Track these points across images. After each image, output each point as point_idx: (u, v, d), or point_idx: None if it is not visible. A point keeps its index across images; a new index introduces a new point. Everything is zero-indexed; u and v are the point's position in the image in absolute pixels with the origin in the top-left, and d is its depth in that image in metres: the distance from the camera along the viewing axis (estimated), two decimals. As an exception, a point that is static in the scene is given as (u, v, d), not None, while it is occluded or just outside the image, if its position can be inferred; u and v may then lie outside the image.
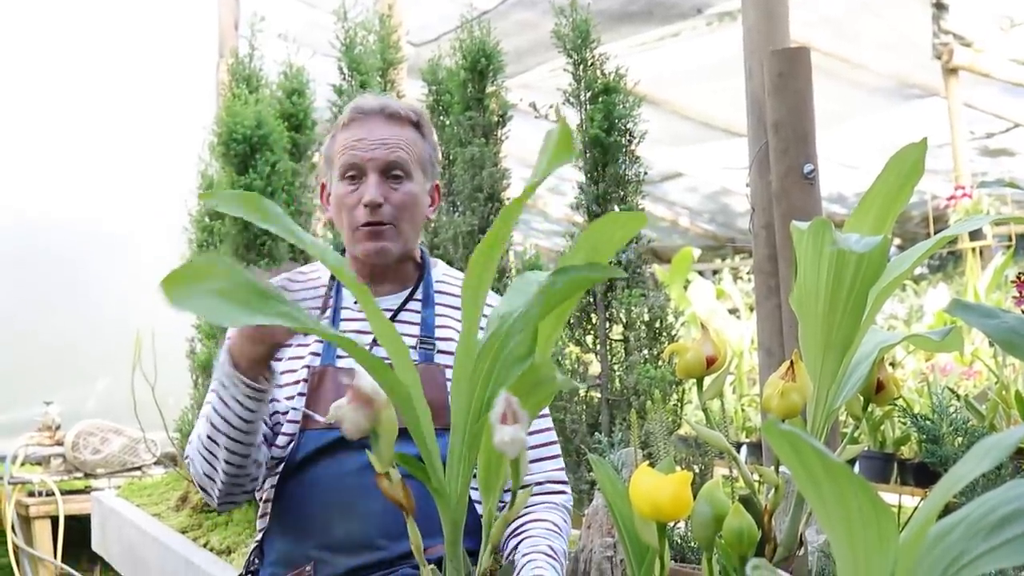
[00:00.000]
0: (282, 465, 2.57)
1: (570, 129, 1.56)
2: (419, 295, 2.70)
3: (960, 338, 1.99)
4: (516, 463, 1.72)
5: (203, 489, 2.55)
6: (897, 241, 13.53)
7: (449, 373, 2.54)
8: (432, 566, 1.81)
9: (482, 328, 1.66)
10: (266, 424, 2.57)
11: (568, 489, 2.68)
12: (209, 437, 2.42)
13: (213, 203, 1.51)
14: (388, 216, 2.59)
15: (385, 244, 2.60)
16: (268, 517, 2.61)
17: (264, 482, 2.64)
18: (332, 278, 2.72)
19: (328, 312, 2.66)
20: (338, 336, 1.62)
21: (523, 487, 1.78)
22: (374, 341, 2.49)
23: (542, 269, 4.17)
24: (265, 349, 2.31)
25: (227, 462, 2.42)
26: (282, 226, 1.54)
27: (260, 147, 4.73)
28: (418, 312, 2.67)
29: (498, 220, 1.63)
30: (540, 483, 2.60)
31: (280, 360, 2.61)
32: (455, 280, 2.80)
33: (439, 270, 2.80)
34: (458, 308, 2.71)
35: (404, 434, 1.74)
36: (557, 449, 2.71)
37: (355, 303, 2.67)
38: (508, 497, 1.79)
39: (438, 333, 2.65)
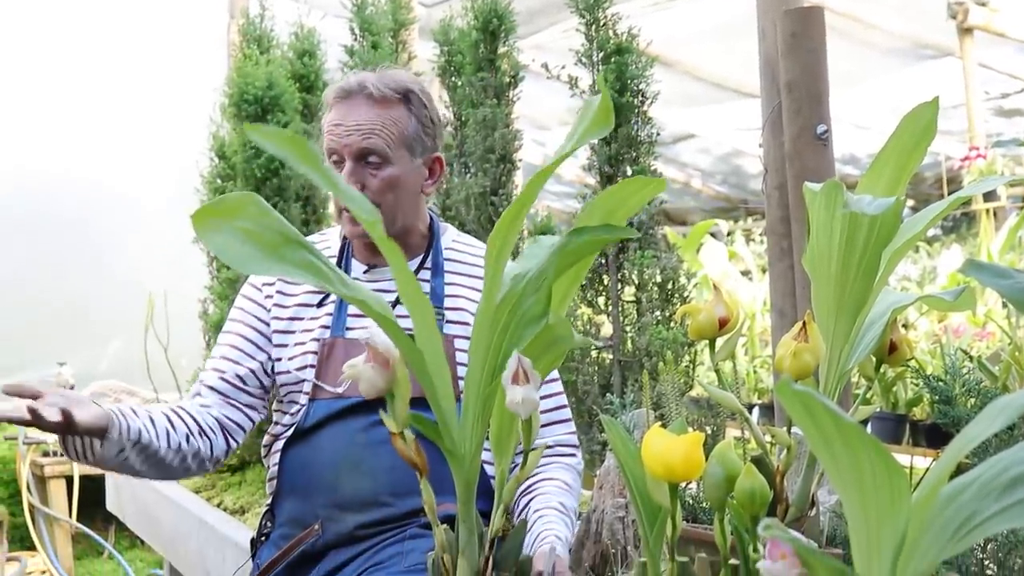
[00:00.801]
0: (291, 431, 2.59)
1: (611, 102, 1.56)
2: (429, 263, 2.69)
3: (973, 298, 1.99)
4: (528, 423, 1.73)
5: None
6: (911, 202, 13.48)
7: (458, 344, 2.55)
8: (444, 525, 1.82)
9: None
10: (251, 395, 2.66)
11: (579, 453, 2.70)
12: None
13: (257, 140, 1.49)
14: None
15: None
16: (277, 481, 2.64)
17: (271, 448, 2.67)
18: (342, 249, 2.71)
19: None
20: (355, 296, 1.62)
21: (534, 448, 1.78)
22: (395, 303, 2.51)
23: (554, 231, 4.16)
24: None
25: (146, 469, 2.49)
26: (322, 172, 1.53)
27: (271, 108, 4.72)
28: (427, 282, 2.66)
29: (526, 187, 1.63)
30: (551, 447, 2.61)
31: (293, 333, 2.63)
32: (465, 247, 2.78)
33: (449, 237, 2.78)
34: (469, 276, 2.70)
35: (415, 401, 1.75)
36: (568, 413, 2.72)
37: (364, 272, 2.66)
38: (519, 459, 1.79)
39: (448, 303, 2.65)
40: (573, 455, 2.67)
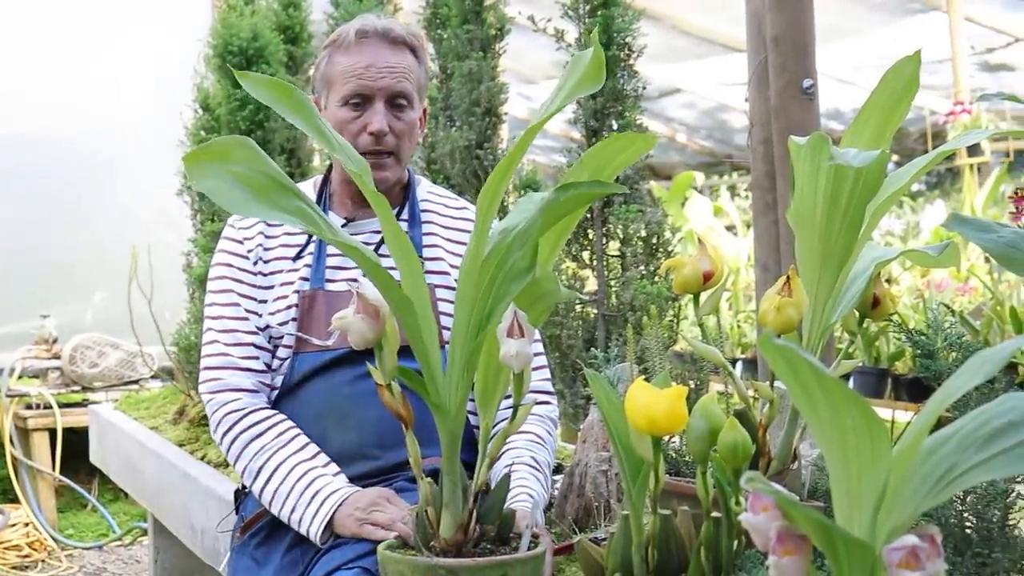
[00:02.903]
0: (278, 386, 2.58)
1: (603, 57, 1.55)
2: (405, 215, 2.70)
3: (956, 253, 1.99)
4: (520, 377, 1.73)
5: (228, 454, 2.57)
6: (895, 157, 13.47)
7: (439, 293, 2.55)
8: (428, 479, 1.83)
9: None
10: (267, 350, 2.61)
11: (554, 400, 2.70)
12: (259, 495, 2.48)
13: (248, 87, 1.49)
14: (391, 145, 2.58)
15: (386, 174, 2.60)
16: None
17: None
18: (319, 199, 2.70)
19: None
20: (347, 243, 1.62)
21: (524, 403, 1.79)
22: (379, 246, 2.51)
23: (539, 185, 4.16)
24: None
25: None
26: (311, 121, 1.52)
27: (256, 60, 4.69)
28: (405, 232, 2.66)
29: (516, 144, 1.63)
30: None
31: (272, 287, 2.62)
32: (439, 197, 2.80)
33: (423, 188, 2.79)
34: (445, 227, 2.72)
35: (401, 350, 1.75)
36: (544, 360, 2.72)
37: (343, 226, 2.66)
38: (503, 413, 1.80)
39: (426, 253, 2.65)
40: (548, 403, 2.68)
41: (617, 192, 1.66)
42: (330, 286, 2.57)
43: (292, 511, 2.36)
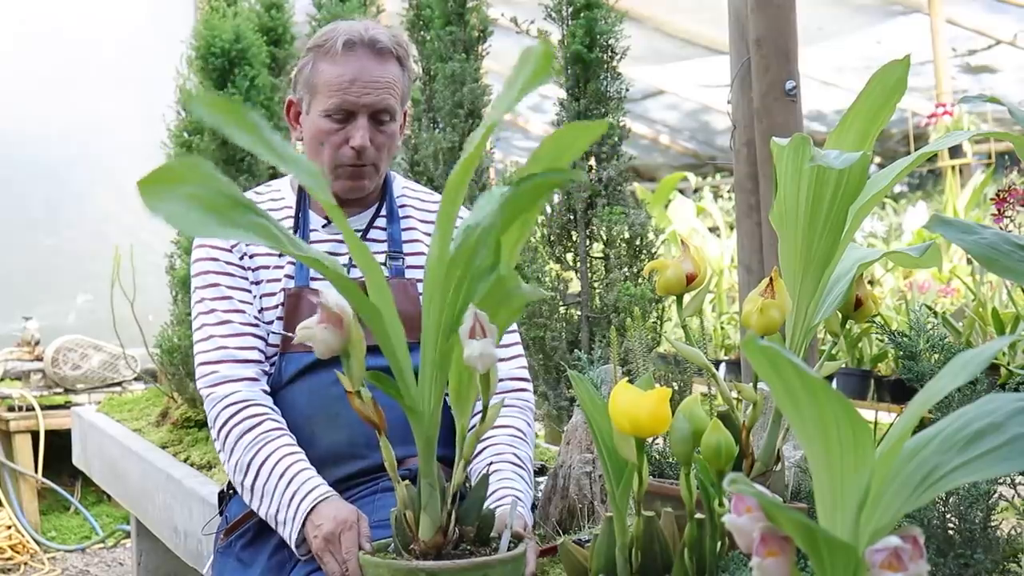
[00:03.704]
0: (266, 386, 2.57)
1: (551, 49, 1.54)
2: (384, 211, 2.70)
3: (939, 254, 2.00)
4: (486, 378, 1.73)
5: (221, 451, 2.55)
6: (877, 159, 13.52)
7: (421, 287, 2.55)
8: (406, 482, 1.83)
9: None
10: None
11: (530, 387, 2.69)
12: (248, 495, 2.45)
13: (194, 108, 1.48)
14: (371, 158, 2.58)
15: (364, 183, 2.61)
16: None
17: None
18: (298, 201, 2.69)
19: (296, 234, 2.63)
20: (309, 256, 1.62)
21: (493, 404, 1.79)
22: (350, 262, 2.49)
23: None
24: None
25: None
26: (260, 139, 1.51)
27: (239, 62, 4.68)
28: (384, 229, 2.68)
29: (475, 145, 1.62)
30: (502, 379, 2.57)
31: (259, 283, 2.60)
32: (415, 191, 2.81)
33: (399, 184, 2.80)
34: (423, 221, 2.73)
35: (376, 349, 1.75)
36: (519, 349, 2.71)
37: (323, 226, 2.65)
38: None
39: (406, 248, 2.66)
40: (524, 388, 2.66)
41: (574, 179, 1.65)
42: (315, 284, 2.57)
43: (277, 511, 2.36)
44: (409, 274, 2.63)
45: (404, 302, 2.39)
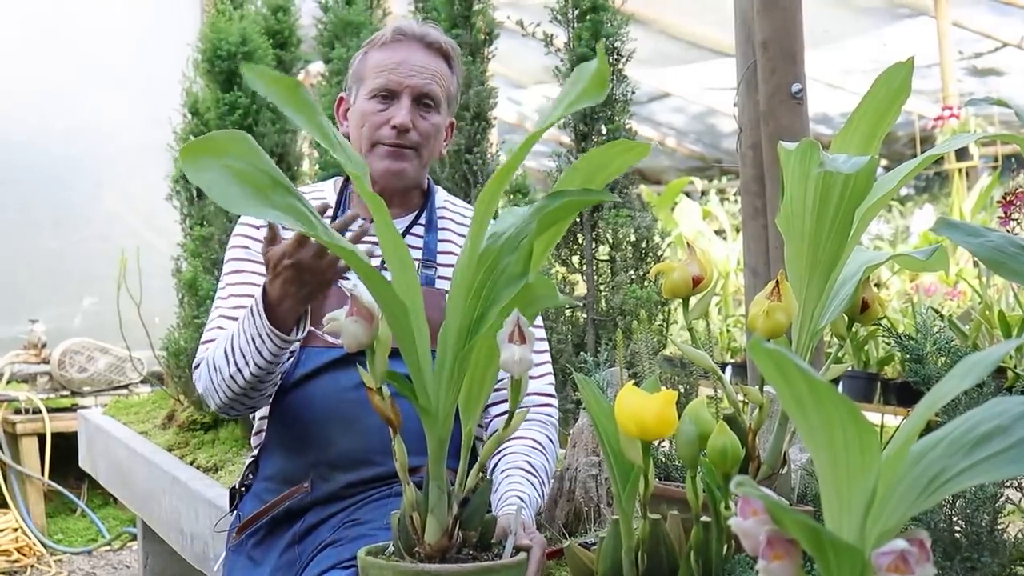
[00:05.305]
0: (281, 381, 2.56)
1: (607, 67, 1.54)
2: (423, 220, 2.70)
3: (945, 257, 2.00)
4: (518, 383, 1.73)
5: (207, 396, 2.52)
6: (884, 162, 13.50)
7: None
8: (413, 484, 1.82)
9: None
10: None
11: (555, 403, 2.67)
12: (230, 374, 2.38)
13: (251, 79, 1.48)
14: (413, 141, 2.58)
15: (405, 166, 2.60)
16: (265, 433, 2.61)
17: None
18: (338, 202, 2.70)
19: None
20: (341, 246, 1.62)
21: (520, 409, 1.79)
22: (382, 265, 2.49)
23: (529, 189, 4.16)
24: (311, 289, 2.27)
25: (246, 391, 2.40)
26: (314, 119, 1.51)
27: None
28: (421, 237, 2.68)
29: (513, 155, 1.63)
30: (528, 393, 2.57)
31: None
32: (454, 206, 2.81)
33: (441, 196, 2.80)
34: (460, 234, 2.71)
35: (395, 353, 1.75)
36: (548, 366, 2.70)
37: (358, 226, 2.65)
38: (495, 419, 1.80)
39: (440, 259, 2.65)
40: (549, 404, 2.64)
41: (608, 200, 1.65)
42: (342, 281, 2.56)
43: (244, 333, 2.34)
44: (440, 285, 2.61)
45: (434, 311, 2.38)
